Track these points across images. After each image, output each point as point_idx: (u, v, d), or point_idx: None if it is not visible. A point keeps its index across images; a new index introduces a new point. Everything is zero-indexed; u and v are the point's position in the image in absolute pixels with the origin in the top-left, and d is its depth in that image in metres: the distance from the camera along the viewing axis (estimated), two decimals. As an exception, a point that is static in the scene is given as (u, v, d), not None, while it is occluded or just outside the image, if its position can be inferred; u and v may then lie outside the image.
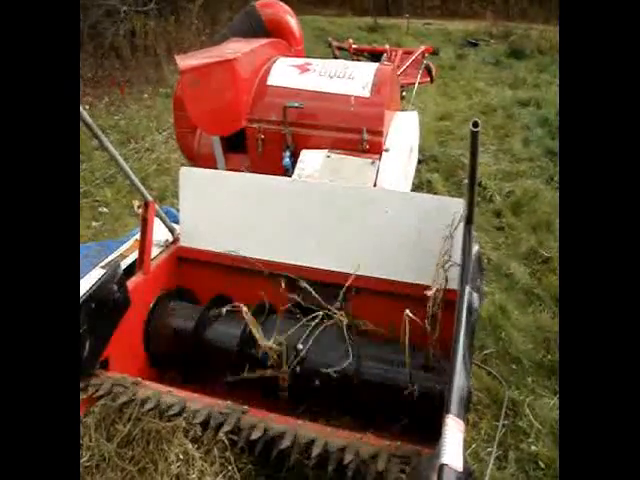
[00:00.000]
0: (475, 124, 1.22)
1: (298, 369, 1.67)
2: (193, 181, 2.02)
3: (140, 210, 1.95)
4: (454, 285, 1.54)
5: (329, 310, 1.75)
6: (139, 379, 1.60)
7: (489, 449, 2.02)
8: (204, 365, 1.82)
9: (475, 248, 1.54)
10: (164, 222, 1.96)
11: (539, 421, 2.18)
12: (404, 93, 3.36)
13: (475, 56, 8.45)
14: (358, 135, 2.34)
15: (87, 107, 5.25)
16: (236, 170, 2.38)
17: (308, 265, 1.86)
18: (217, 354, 1.79)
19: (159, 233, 1.96)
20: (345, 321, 1.72)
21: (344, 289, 1.78)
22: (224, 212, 1.98)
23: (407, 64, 3.54)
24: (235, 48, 2.48)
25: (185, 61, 2.37)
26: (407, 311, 1.50)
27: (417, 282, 1.72)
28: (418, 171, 3.23)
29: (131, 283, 1.74)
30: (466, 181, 1.46)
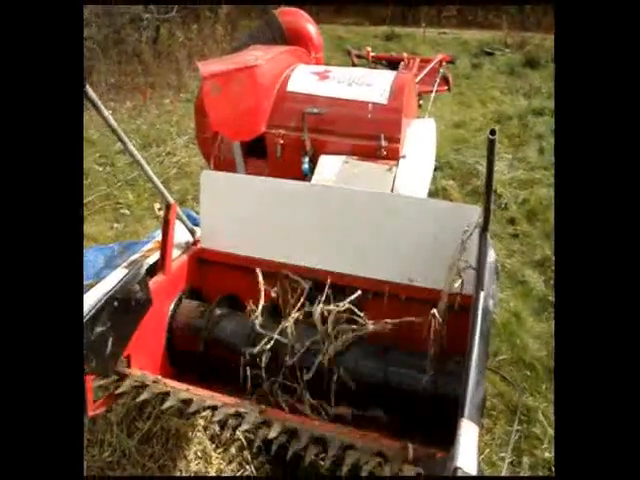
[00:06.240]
0: (492, 132, 1.25)
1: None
2: (213, 184, 2.06)
3: (161, 212, 2.00)
4: (469, 291, 1.56)
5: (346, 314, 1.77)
6: (159, 377, 1.63)
7: (502, 454, 2.03)
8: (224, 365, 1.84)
9: (490, 254, 1.55)
10: (185, 224, 2.00)
11: (553, 428, 2.18)
12: (421, 101, 3.38)
13: (490, 65, 8.41)
14: (376, 142, 2.36)
15: (110, 112, 5.32)
16: (256, 175, 2.42)
17: (325, 268, 1.89)
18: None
19: (180, 235, 2.00)
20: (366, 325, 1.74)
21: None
22: (243, 215, 2.02)
23: (425, 72, 3.56)
24: (256, 55, 2.52)
25: (207, 67, 2.41)
26: (434, 310, 1.51)
27: (432, 287, 1.74)
28: (434, 178, 3.24)
29: (152, 283, 1.78)
30: (482, 188, 1.48)
